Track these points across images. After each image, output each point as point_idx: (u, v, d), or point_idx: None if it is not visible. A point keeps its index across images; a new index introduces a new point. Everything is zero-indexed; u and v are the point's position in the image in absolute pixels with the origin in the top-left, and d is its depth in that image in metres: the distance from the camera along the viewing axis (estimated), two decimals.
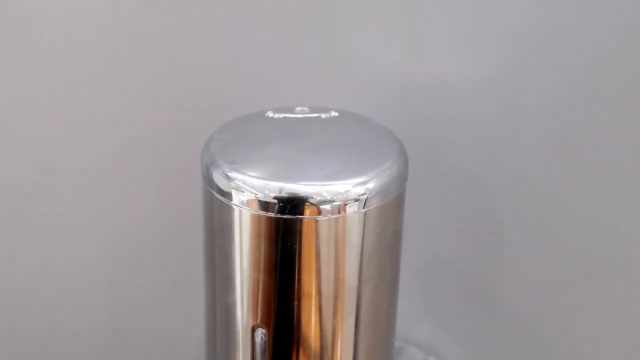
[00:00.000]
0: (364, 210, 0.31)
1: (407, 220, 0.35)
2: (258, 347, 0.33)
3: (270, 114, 0.35)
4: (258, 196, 0.30)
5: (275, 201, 0.30)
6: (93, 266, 0.48)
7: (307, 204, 0.30)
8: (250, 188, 0.30)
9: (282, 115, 0.35)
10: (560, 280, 0.39)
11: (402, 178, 0.32)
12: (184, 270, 0.46)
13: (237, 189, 0.31)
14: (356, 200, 0.30)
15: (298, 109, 0.36)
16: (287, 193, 0.30)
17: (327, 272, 0.31)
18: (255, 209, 0.30)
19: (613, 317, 0.39)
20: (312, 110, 0.36)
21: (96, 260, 0.48)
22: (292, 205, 0.30)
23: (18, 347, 0.53)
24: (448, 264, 0.41)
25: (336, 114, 0.35)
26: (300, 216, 0.30)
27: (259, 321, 0.32)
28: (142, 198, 0.45)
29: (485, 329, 0.42)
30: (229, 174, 0.31)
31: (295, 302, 0.31)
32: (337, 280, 0.31)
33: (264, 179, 0.30)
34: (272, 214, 0.30)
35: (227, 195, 0.31)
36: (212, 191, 0.32)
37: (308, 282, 0.31)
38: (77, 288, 0.49)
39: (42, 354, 0.53)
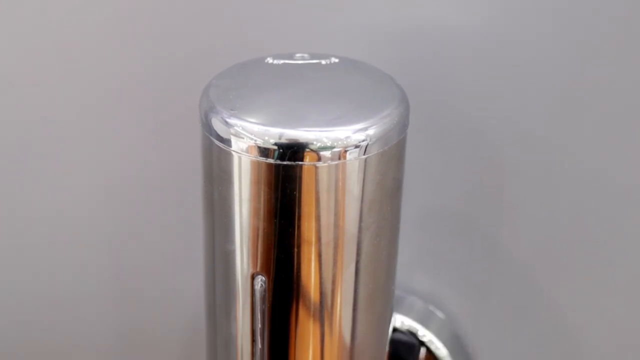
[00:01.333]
0: (364, 156, 0.30)
1: (408, 169, 0.34)
2: (258, 295, 0.32)
3: (269, 60, 0.35)
4: (257, 142, 0.30)
5: (275, 147, 0.30)
6: (92, 217, 0.48)
7: (307, 150, 0.30)
8: (249, 134, 0.30)
9: (281, 62, 0.35)
10: (561, 229, 0.39)
11: (403, 125, 0.32)
12: (182, 219, 0.46)
13: (237, 135, 0.30)
14: (356, 146, 0.30)
15: (298, 55, 0.35)
16: (286, 139, 0.30)
17: (327, 219, 0.31)
18: (254, 156, 0.30)
19: (611, 266, 0.39)
20: (312, 57, 0.35)
21: (95, 211, 0.48)
22: (292, 151, 0.30)
23: (19, 300, 0.53)
24: (449, 212, 0.41)
25: (336, 60, 0.35)
26: (300, 162, 0.30)
27: (258, 269, 0.32)
28: (141, 146, 0.45)
29: (485, 277, 0.41)
30: (228, 120, 0.31)
31: (295, 250, 0.31)
32: (337, 227, 0.31)
33: (263, 125, 0.30)
34: (271, 161, 0.30)
35: (226, 141, 0.31)
36: (211, 138, 0.31)
37: (308, 229, 0.31)
38: (75, 239, 0.49)
39: (42, 307, 0.53)
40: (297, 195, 0.30)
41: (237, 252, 0.32)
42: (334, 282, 0.32)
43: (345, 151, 0.30)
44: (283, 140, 0.30)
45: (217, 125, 0.31)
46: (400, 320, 0.42)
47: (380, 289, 0.34)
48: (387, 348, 0.37)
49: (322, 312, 0.33)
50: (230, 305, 0.34)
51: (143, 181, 0.46)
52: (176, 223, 0.47)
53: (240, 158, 0.31)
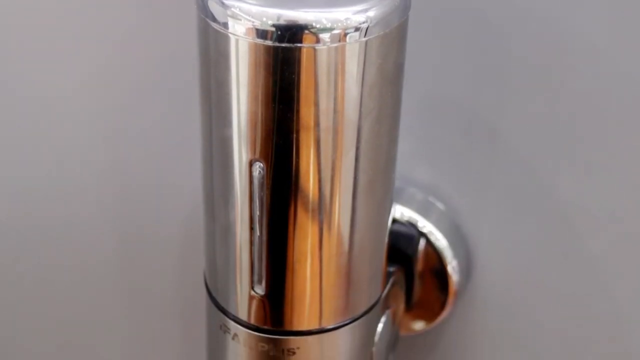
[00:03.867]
0: (364, 39, 0.30)
1: (408, 57, 0.34)
2: (256, 182, 0.32)
3: None
4: (255, 24, 0.29)
5: (273, 29, 0.29)
6: (84, 108, 0.48)
7: (306, 32, 0.29)
8: (247, 16, 0.29)
9: None
10: (565, 118, 0.39)
11: (404, 7, 0.31)
12: (179, 108, 0.46)
13: (234, 17, 0.30)
14: (357, 29, 0.29)
15: None
16: (285, 20, 0.29)
17: (327, 104, 0.30)
18: (252, 38, 0.29)
19: (614, 154, 0.39)
20: None
21: (88, 100, 0.48)
22: (291, 33, 0.29)
23: (14, 197, 0.53)
24: (450, 102, 0.40)
25: None
26: (298, 45, 0.29)
27: (256, 155, 0.32)
28: (135, 30, 0.44)
29: (486, 168, 0.41)
30: (225, 1, 0.30)
31: (294, 135, 0.31)
32: (336, 112, 0.31)
33: (261, 6, 0.29)
34: (269, 43, 0.29)
35: (223, 24, 0.30)
36: (207, 20, 0.31)
37: (307, 114, 0.30)
38: (68, 131, 0.49)
39: (38, 203, 0.53)
40: (295, 79, 0.30)
41: (234, 139, 0.32)
42: (333, 169, 0.32)
43: (345, 33, 0.29)
44: (281, 22, 0.29)
45: (214, 7, 0.30)
46: (400, 212, 0.42)
47: (380, 177, 0.34)
48: (386, 239, 0.37)
49: (321, 199, 0.32)
50: (228, 193, 0.33)
51: (137, 68, 0.46)
52: (173, 112, 0.46)
53: (237, 41, 0.30)
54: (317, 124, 0.31)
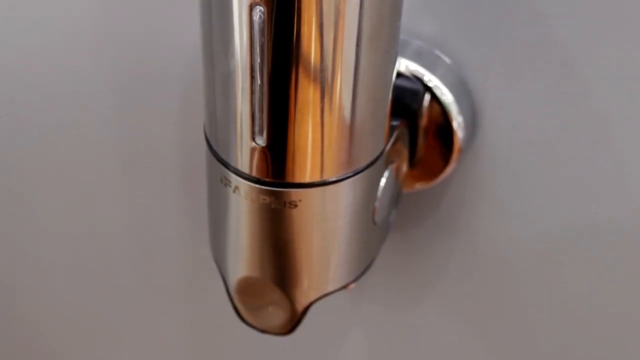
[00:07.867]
0: None
1: None
2: (256, 27, 0.31)
3: None
4: None
5: None
6: None
7: None
8: None
9: None
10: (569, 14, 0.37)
11: None
12: None
13: None
14: None
15: None
16: None
17: None
18: None
19: (628, 5, 0.37)
20: None
21: None
22: None
23: (10, 47, 0.52)
24: None
25: None
26: None
27: None
28: None
29: (495, 22, 0.40)
30: None
31: None
32: None
33: None
34: None
35: None
36: None
37: None
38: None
39: (35, 52, 0.52)
40: None
41: None
42: (337, 14, 0.31)
43: None
44: None
45: None
46: (404, 65, 0.41)
47: (385, 25, 0.33)
48: (390, 91, 0.36)
49: (324, 46, 0.31)
50: (227, 40, 0.32)
51: None
52: None
53: None
54: None
